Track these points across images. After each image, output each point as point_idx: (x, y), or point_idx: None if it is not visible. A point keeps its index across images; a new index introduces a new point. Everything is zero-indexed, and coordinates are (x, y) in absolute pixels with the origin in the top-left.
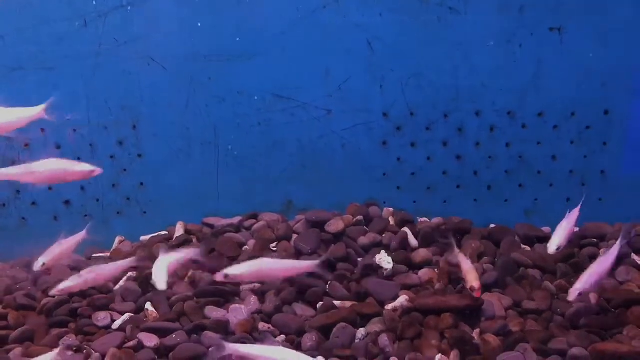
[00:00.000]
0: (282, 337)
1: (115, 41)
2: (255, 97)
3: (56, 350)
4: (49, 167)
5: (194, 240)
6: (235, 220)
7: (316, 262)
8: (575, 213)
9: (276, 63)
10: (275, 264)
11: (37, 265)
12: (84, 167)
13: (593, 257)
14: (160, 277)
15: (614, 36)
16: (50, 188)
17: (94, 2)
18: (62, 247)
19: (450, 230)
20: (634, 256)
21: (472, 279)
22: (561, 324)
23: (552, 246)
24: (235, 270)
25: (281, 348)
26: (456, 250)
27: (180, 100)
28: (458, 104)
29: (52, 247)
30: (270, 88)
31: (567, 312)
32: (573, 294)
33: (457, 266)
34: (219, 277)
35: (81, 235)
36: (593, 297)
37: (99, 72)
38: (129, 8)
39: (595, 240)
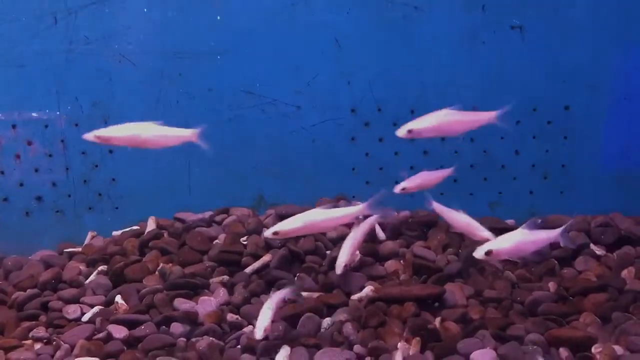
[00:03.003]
0: (250, 327)
1: (85, 38)
2: (225, 94)
3: None
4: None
5: (165, 234)
6: (207, 215)
7: (364, 204)
8: (362, 227)
9: (246, 60)
10: (325, 214)
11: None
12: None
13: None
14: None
15: (573, 34)
16: (21, 184)
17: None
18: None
19: (417, 223)
20: (592, 246)
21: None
22: (520, 311)
23: (338, 268)
24: (284, 225)
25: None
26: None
27: (151, 96)
28: (424, 100)
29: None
30: (240, 84)
31: (526, 300)
32: (339, 267)
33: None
34: (267, 234)
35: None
36: (552, 286)
37: (70, 68)
38: (99, 5)
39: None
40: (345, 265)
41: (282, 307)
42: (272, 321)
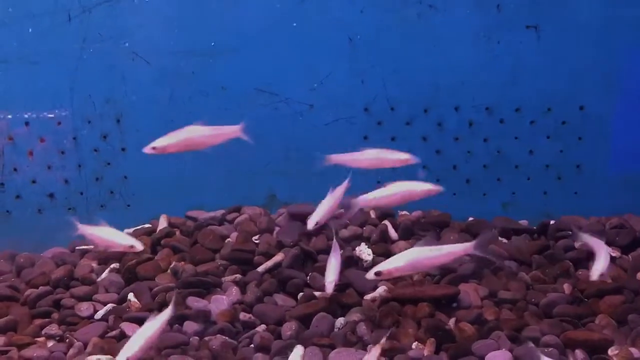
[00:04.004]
0: (263, 326)
1: (99, 36)
2: (238, 92)
3: None
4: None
5: (177, 233)
6: (219, 213)
7: (472, 243)
8: (338, 190)
9: (259, 58)
10: (431, 253)
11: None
12: (400, 156)
13: (568, 249)
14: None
15: (588, 34)
16: (34, 181)
17: None
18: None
19: (429, 223)
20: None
21: None
22: (535, 313)
23: (310, 223)
24: (388, 265)
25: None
26: None
27: (164, 94)
28: (437, 100)
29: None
30: (253, 83)
31: (540, 301)
32: (310, 223)
33: None
34: (369, 275)
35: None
36: (567, 288)
37: (83, 66)
38: (113, 3)
39: (570, 232)
40: (317, 223)
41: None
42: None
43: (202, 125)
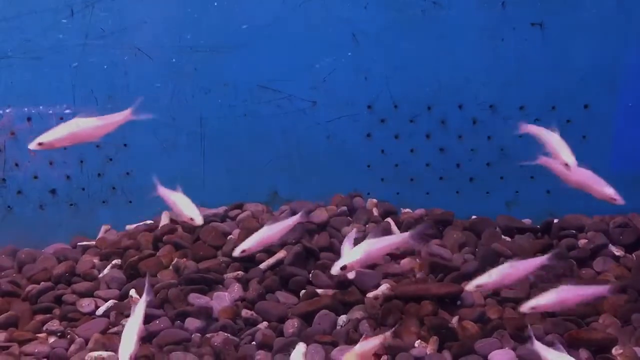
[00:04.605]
0: (265, 323)
1: (102, 31)
2: (241, 89)
3: None
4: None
5: (179, 229)
6: (221, 210)
7: (408, 233)
8: (279, 225)
9: (262, 55)
10: (379, 244)
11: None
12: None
13: (572, 248)
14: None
15: (593, 32)
16: (35, 177)
17: None
18: None
19: (432, 221)
20: (611, 247)
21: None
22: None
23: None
24: (350, 259)
25: None
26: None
27: (167, 90)
28: (441, 97)
29: None
30: (256, 79)
31: None
32: (236, 250)
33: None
34: (334, 271)
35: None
36: None
37: (86, 62)
38: None
39: (574, 231)
40: (244, 251)
41: None
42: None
43: (88, 117)
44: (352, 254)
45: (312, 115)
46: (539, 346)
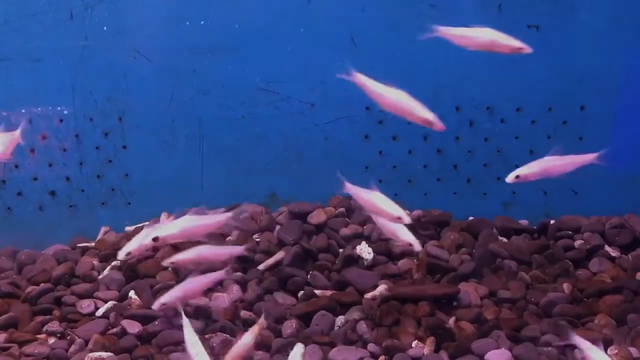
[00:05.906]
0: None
1: (101, 33)
2: (239, 91)
3: None
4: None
5: None
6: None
7: (227, 214)
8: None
9: (260, 57)
10: (200, 221)
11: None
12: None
13: (568, 249)
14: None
15: (590, 34)
16: (35, 179)
17: None
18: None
19: (429, 222)
20: (607, 248)
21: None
22: (535, 312)
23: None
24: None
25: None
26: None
27: (166, 92)
28: (438, 99)
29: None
30: (254, 81)
31: (540, 301)
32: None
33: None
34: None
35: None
36: (567, 287)
37: (85, 64)
38: (115, 0)
39: (570, 232)
40: (129, 253)
41: None
42: None
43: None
44: (166, 228)
45: (310, 116)
46: (580, 342)
